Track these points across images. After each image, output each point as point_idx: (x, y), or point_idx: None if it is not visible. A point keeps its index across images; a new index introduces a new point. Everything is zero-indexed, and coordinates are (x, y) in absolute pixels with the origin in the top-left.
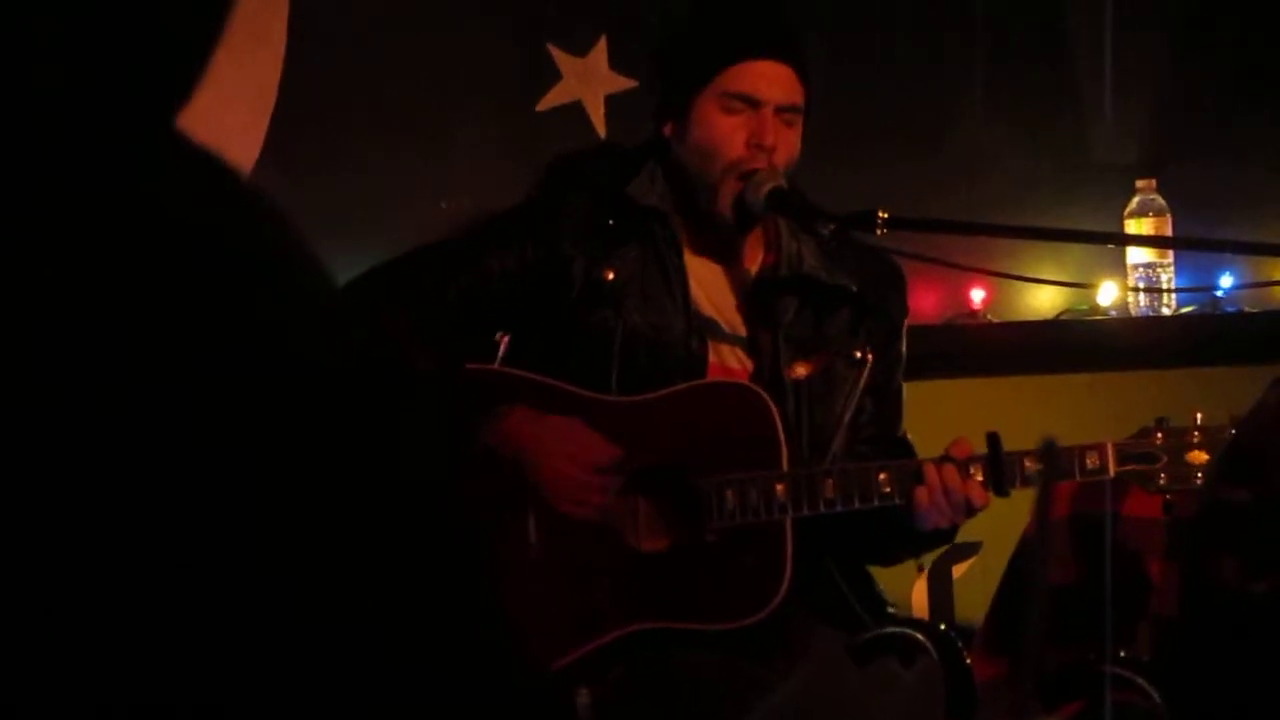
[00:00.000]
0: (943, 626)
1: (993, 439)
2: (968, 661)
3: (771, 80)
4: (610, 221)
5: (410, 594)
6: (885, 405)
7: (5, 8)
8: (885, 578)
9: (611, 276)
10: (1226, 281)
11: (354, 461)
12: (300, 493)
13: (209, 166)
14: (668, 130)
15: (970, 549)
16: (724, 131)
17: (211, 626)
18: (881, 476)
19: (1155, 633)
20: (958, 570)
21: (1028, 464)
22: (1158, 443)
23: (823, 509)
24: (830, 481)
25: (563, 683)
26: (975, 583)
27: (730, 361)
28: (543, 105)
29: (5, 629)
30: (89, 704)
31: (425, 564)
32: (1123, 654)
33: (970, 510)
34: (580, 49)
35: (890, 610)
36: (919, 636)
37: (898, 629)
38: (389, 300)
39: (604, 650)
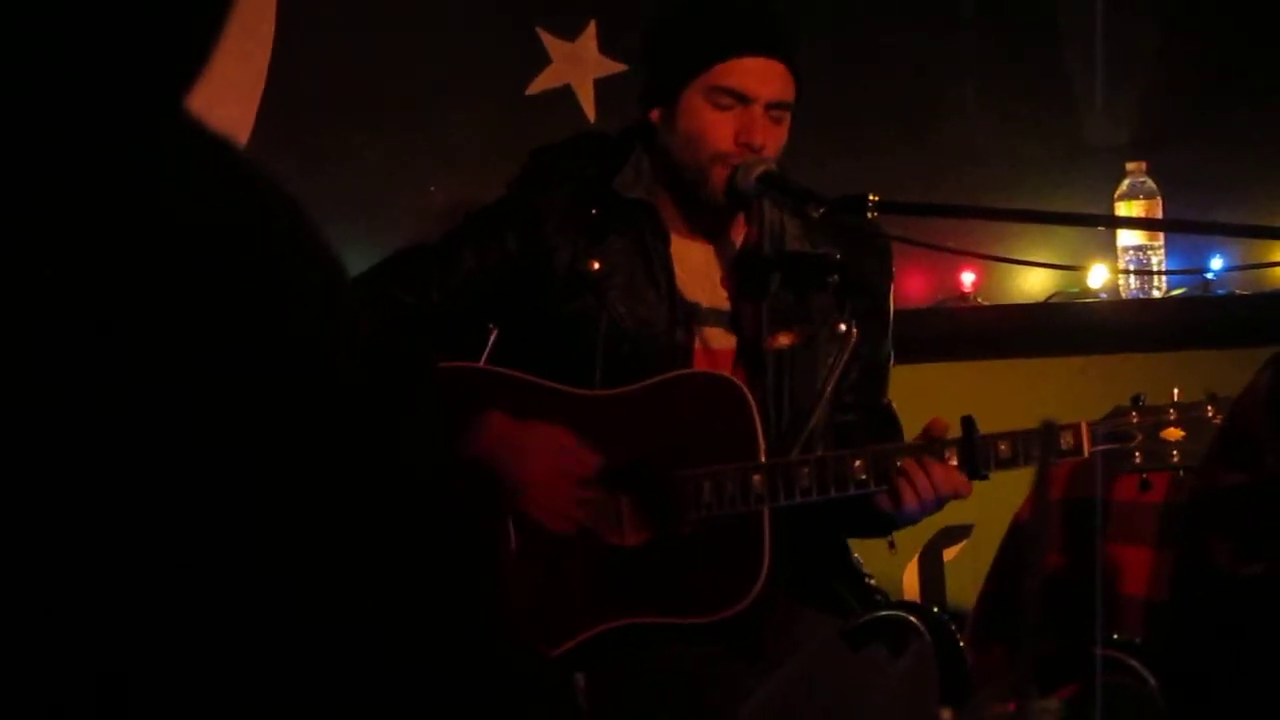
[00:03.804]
0: (935, 610)
1: (967, 422)
2: (961, 644)
3: (762, 77)
4: (594, 212)
5: (414, 589)
6: (870, 374)
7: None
8: (874, 563)
9: (596, 267)
10: (1217, 264)
11: (357, 459)
12: (303, 491)
13: (217, 157)
14: (655, 116)
15: (961, 532)
16: (712, 125)
17: (215, 623)
18: (857, 464)
19: (1149, 616)
20: (949, 554)
21: (1002, 447)
22: (1133, 421)
23: (799, 498)
24: (806, 471)
25: (563, 671)
26: (966, 566)
27: (715, 342)
28: (532, 89)
29: (4, 628)
30: (89, 702)
31: (427, 560)
32: (1116, 637)
33: (955, 496)
34: (570, 33)
35: (876, 595)
36: (912, 620)
37: (890, 612)
38: (370, 305)
39: (586, 647)
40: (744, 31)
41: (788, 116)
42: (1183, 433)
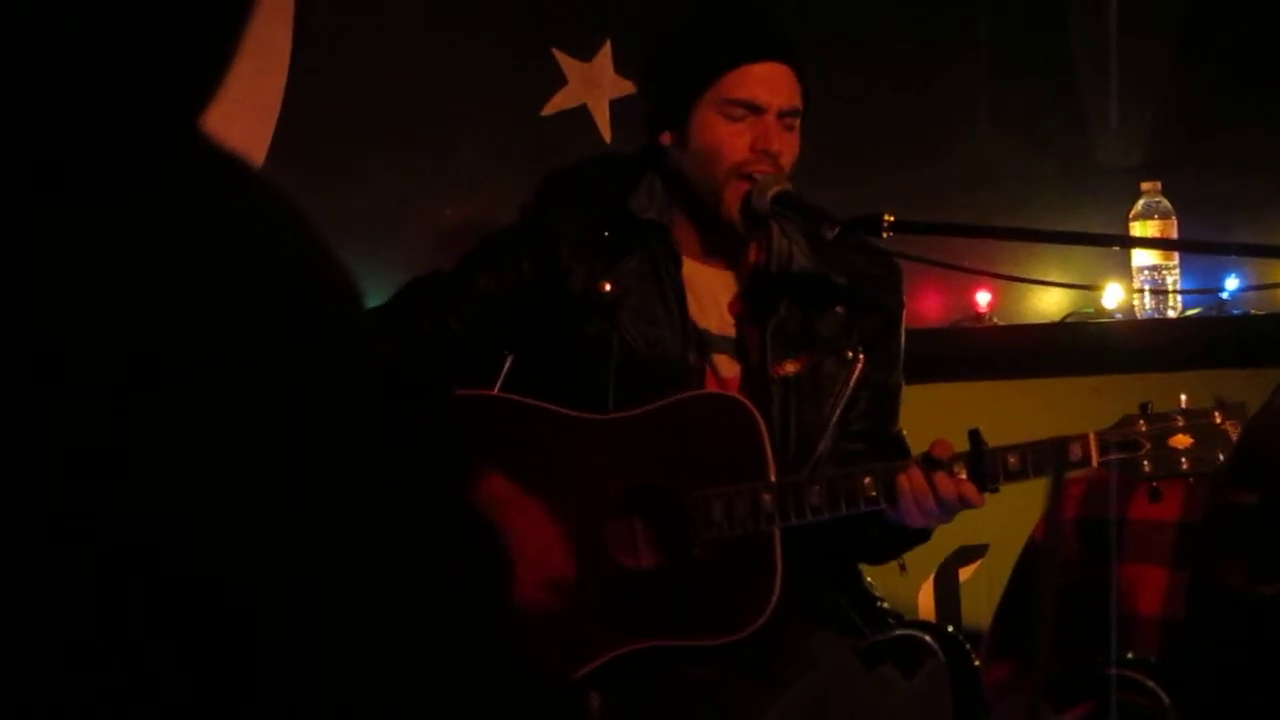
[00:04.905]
0: (950, 629)
1: (974, 436)
2: (976, 664)
3: (772, 84)
4: (607, 234)
5: (426, 598)
6: (879, 402)
7: (28, 10)
8: (891, 582)
9: (608, 289)
10: (1232, 284)
11: (368, 477)
12: (313, 506)
13: (231, 174)
14: (666, 139)
15: (977, 552)
16: (727, 138)
17: (223, 626)
18: (867, 481)
19: (1164, 635)
20: (964, 573)
21: (1010, 460)
22: (1141, 429)
23: (810, 517)
24: (817, 489)
25: (576, 683)
26: (982, 586)
27: (724, 368)
28: (548, 110)
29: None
30: (100, 706)
31: (440, 569)
32: (1130, 656)
33: (965, 506)
34: (585, 54)
35: (889, 618)
36: (927, 639)
37: (905, 631)
38: (389, 335)
39: (602, 671)
40: (748, 39)
41: (799, 124)
42: (1191, 439)
